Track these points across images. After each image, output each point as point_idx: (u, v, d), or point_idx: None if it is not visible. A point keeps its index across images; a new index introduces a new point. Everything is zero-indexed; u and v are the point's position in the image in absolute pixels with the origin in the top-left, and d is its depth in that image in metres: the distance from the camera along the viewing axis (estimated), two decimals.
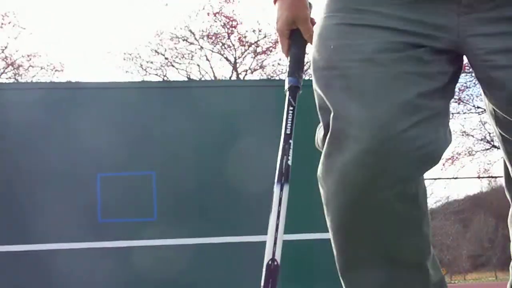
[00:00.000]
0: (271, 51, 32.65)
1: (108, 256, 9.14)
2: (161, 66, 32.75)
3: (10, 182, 9.05)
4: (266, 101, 9.57)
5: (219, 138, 9.43)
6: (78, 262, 9.06)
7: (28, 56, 32.64)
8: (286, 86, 2.49)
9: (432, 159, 1.90)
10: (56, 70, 33.12)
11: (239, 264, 9.27)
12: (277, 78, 32.23)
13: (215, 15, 31.82)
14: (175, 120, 9.45)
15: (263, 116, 9.51)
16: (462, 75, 29.96)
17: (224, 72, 33.45)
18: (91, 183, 9.18)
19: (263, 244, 2.22)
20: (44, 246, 8.97)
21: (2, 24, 32.52)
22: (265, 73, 33.07)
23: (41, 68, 32.92)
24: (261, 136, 9.42)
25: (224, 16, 31.85)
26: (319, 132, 2.24)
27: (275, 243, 2.11)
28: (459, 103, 30.59)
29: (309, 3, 2.49)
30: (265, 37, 32.35)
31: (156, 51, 32.41)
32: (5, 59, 32.92)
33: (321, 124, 2.12)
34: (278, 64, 32.98)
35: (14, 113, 9.20)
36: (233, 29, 32.06)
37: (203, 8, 31.75)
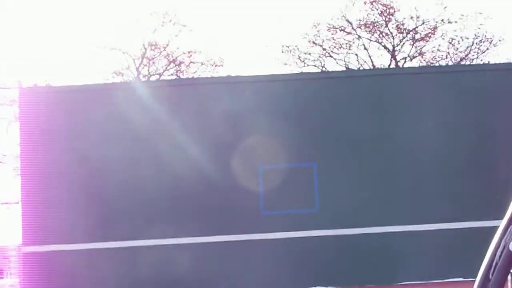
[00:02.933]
0: (430, 37, 32.00)
1: (271, 247, 9.22)
2: (319, 57, 32.74)
3: (183, 179, 9.27)
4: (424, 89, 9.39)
5: (382, 129, 9.32)
6: (242, 253, 9.19)
7: (188, 52, 33.40)
8: None
9: None
10: (216, 65, 33.72)
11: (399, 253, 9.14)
12: (436, 64, 31.56)
13: (371, 4, 31.51)
14: (334, 111, 9.41)
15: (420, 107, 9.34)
16: None
17: (382, 60, 33.06)
18: (253, 175, 9.27)
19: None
20: (211, 239, 9.14)
21: (163, 22, 33.44)
22: (424, 60, 32.46)
23: (202, 64, 33.61)
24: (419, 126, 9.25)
25: (381, 4, 31.49)
26: None
27: None
28: None
29: None
30: (423, 23, 31.74)
31: (313, 42, 32.43)
32: (167, 57, 33.83)
33: None
34: (438, 50, 32.29)
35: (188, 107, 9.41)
36: (391, 16, 31.63)
37: None
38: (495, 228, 9.14)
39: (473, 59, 32.12)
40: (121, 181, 9.25)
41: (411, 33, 31.91)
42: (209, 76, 32.55)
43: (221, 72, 34.23)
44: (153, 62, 34.15)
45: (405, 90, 9.42)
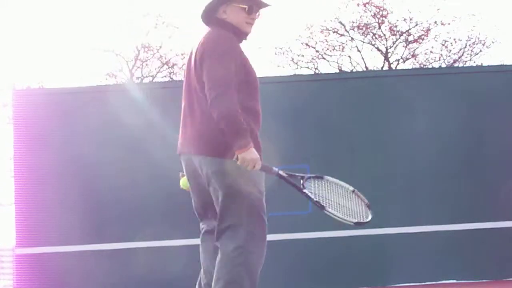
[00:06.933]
0: (423, 39, 32.11)
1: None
2: (312, 59, 32.84)
3: None
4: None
5: (375, 131, 9.36)
6: None
7: (182, 54, 33.45)
8: None
9: None
10: None
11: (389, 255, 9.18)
12: (430, 66, 31.65)
13: (364, 6, 31.60)
14: (327, 113, 9.44)
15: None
16: None
17: (375, 62, 33.14)
18: None
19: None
20: None
21: (156, 24, 33.50)
22: (417, 62, 32.55)
23: None
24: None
25: (374, 6, 31.58)
26: None
27: None
28: None
29: None
30: (416, 25, 31.86)
31: (306, 44, 32.51)
32: (160, 59, 33.88)
33: None
34: (431, 52, 32.40)
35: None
36: (384, 18, 31.73)
37: None
38: (488, 230, 9.16)
39: (466, 61, 32.25)
40: (115, 183, 9.27)
41: (404, 35, 32.02)
42: None
43: None
44: (146, 64, 34.22)
45: (398, 92, 9.45)
